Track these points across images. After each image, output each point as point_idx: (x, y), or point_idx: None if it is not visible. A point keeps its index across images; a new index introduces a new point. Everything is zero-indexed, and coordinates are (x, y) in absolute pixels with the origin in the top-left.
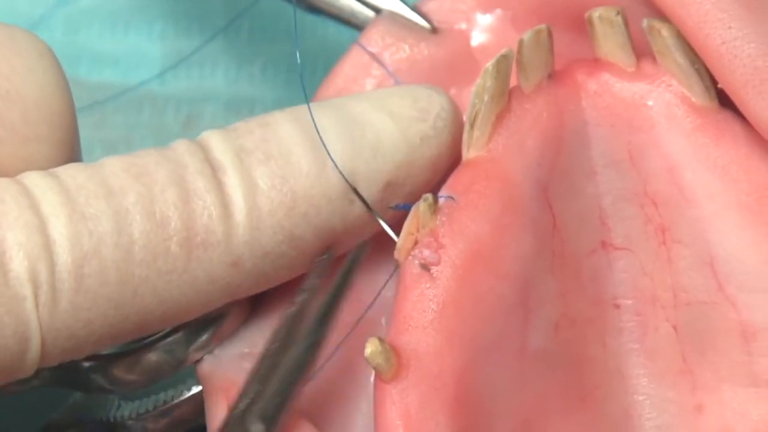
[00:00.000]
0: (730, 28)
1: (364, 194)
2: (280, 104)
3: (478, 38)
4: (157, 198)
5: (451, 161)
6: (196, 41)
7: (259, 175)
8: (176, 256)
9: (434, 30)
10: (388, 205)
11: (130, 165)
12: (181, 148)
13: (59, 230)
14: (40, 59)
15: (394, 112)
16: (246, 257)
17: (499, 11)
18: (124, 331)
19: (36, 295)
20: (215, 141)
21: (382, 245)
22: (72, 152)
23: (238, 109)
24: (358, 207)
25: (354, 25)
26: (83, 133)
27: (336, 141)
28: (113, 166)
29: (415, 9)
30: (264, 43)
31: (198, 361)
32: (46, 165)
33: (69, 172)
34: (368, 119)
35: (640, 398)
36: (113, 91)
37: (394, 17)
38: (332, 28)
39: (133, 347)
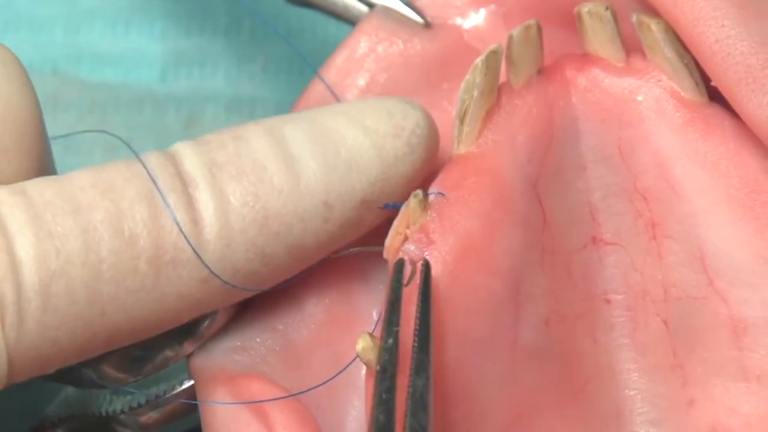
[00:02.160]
0: (723, 26)
1: (339, 212)
2: (280, 104)
3: (471, 34)
4: (126, 215)
5: (426, 176)
6: (197, 41)
7: (231, 191)
8: (145, 274)
9: (428, 25)
10: (363, 222)
11: (98, 180)
12: (152, 161)
13: (26, 249)
14: (4, 68)
15: (368, 127)
16: (214, 277)
17: (492, 7)
18: (93, 347)
19: (2, 316)
20: (187, 154)
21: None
22: (41, 162)
23: (239, 108)
24: (331, 225)
25: (347, 19)
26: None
27: (310, 158)
28: (81, 181)
29: (408, 4)
30: (265, 43)
31: (190, 356)
32: (14, 176)
33: (36, 187)
34: (342, 135)
35: (631, 393)
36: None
37: (388, 12)
38: (332, 28)
39: None
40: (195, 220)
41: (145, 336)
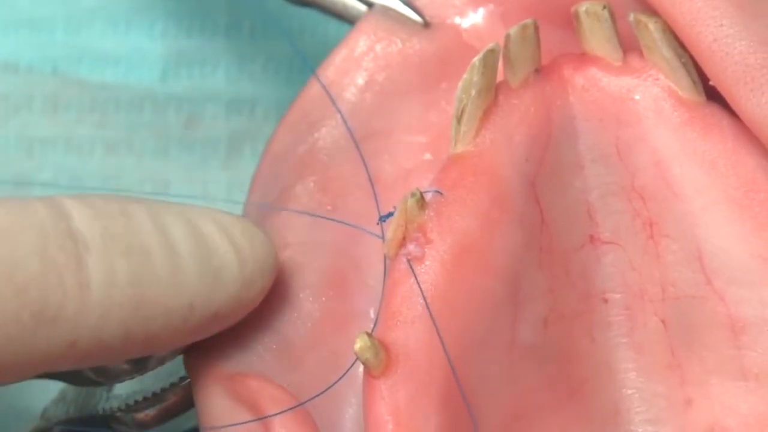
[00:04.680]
0: (721, 25)
1: (197, 317)
2: (281, 103)
3: (470, 33)
4: (19, 266)
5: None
6: (197, 40)
7: (119, 266)
8: (25, 325)
9: (426, 24)
10: (204, 332)
11: None
12: (42, 212)
13: None
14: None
15: (237, 245)
16: (84, 341)
17: (491, 6)
18: None
19: None
20: (78, 214)
21: (371, 239)
22: None
23: (239, 108)
24: (186, 327)
25: (347, 19)
26: (84, 133)
27: (189, 256)
28: None
29: (407, 3)
30: (265, 43)
31: (186, 352)
32: None
33: None
34: (216, 245)
35: (629, 392)
36: (115, 91)
37: (387, 11)
38: (332, 28)
39: None
40: (81, 283)
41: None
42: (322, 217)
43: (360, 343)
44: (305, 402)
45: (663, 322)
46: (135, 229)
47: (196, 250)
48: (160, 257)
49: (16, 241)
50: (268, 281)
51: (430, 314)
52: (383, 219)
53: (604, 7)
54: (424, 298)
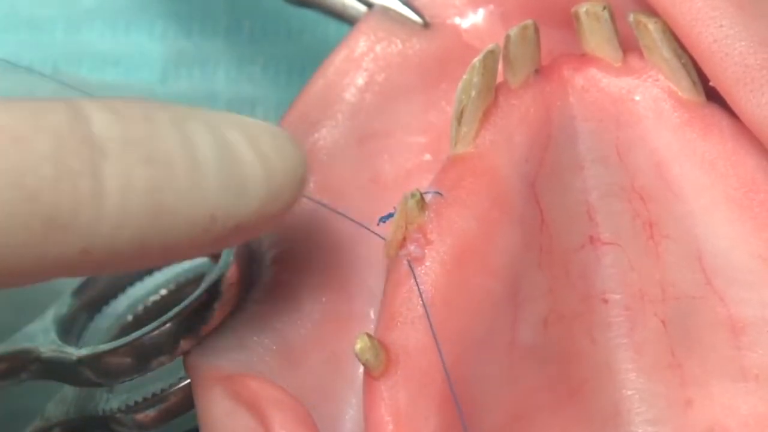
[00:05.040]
0: (721, 26)
1: (219, 227)
2: (281, 104)
3: (470, 33)
4: (31, 171)
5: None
6: (197, 41)
7: (138, 175)
8: (35, 232)
9: (426, 25)
10: (226, 244)
11: (8, 126)
12: (60, 114)
13: None
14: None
15: (264, 153)
16: (98, 249)
17: (491, 7)
18: None
19: None
20: (98, 117)
21: (371, 240)
22: None
23: (239, 109)
24: (208, 237)
25: (346, 19)
26: None
27: (212, 167)
28: None
29: (407, 4)
30: (265, 43)
31: (186, 353)
32: None
33: None
34: (242, 155)
35: (629, 393)
36: (114, 91)
37: (386, 12)
38: (332, 29)
39: (122, 340)
40: (96, 191)
41: (9, 286)
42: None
43: (360, 344)
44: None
45: (663, 322)
46: (156, 136)
47: (220, 159)
48: (182, 167)
49: (29, 145)
50: (297, 194)
51: (428, 316)
52: (383, 219)
53: (604, 8)
54: (423, 300)
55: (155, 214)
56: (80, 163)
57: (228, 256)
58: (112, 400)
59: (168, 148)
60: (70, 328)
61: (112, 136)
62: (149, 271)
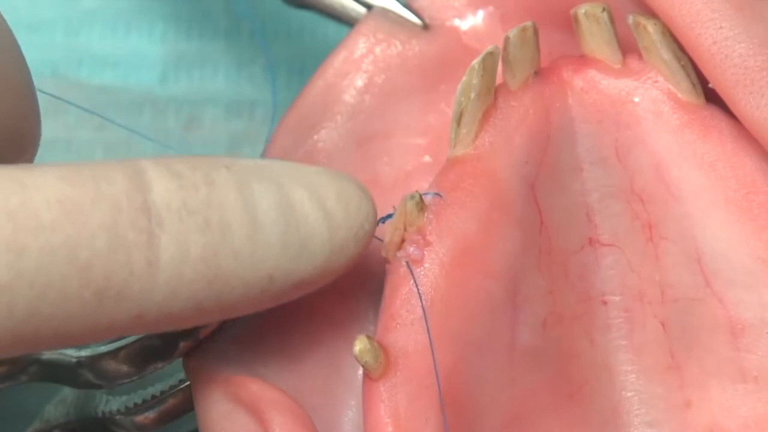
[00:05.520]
0: (721, 28)
1: (278, 287)
2: (281, 106)
3: (469, 35)
4: (85, 244)
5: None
6: (196, 43)
7: (194, 242)
8: (87, 302)
9: (426, 26)
10: (286, 298)
11: (66, 196)
12: (120, 184)
13: None
14: None
15: (328, 212)
16: (152, 315)
17: (490, 8)
18: (13, 351)
19: None
20: (158, 184)
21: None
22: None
23: (239, 110)
24: (266, 296)
25: (346, 21)
26: (84, 135)
27: (272, 228)
28: (48, 192)
29: (406, 5)
30: (264, 45)
31: (186, 355)
32: None
33: (2, 192)
34: (305, 212)
35: (629, 394)
36: (114, 94)
37: (386, 13)
38: (332, 30)
39: (122, 342)
40: (150, 261)
41: (62, 347)
42: None
43: (359, 346)
44: None
45: (662, 324)
46: (216, 202)
47: (283, 219)
48: (240, 231)
49: (85, 218)
50: (361, 248)
51: (425, 318)
52: (382, 221)
53: (604, 10)
54: (422, 302)
55: (211, 280)
56: (136, 234)
57: None
58: (111, 402)
59: (227, 214)
60: None
61: (171, 205)
62: None
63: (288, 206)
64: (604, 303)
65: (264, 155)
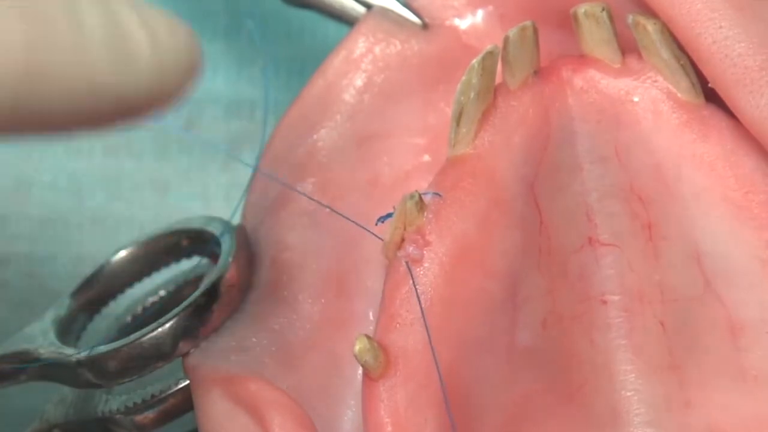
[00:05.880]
0: (720, 27)
1: (96, 97)
2: (280, 105)
3: (468, 35)
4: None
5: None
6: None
7: (14, 29)
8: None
9: (425, 26)
10: (96, 114)
11: None
12: None
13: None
14: None
15: (156, 32)
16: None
17: (490, 8)
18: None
19: None
20: None
21: (370, 241)
22: None
23: (239, 110)
24: (92, 104)
25: (345, 20)
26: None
27: (96, 30)
28: None
29: (406, 5)
30: (264, 45)
31: (185, 355)
32: None
33: None
34: (132, 28)
35: (628, 394)
36: None
37: (385, 13)
38: (331, 30)
39: (121, 342)
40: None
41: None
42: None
43: (359, 346)
44: None
45: (662, 324)
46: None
47: (107, 29)
48: (63, 27)
49: None
50: (186, 79)
51: (424, 317)
52: (382, 220)
53: (603, 9)
54: (420, 302)
55: (29, 71)
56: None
57: (227, 257)
58: (111, 402)
59: (52, 9)
60: (69, 330)
61: None
62: (148, 273)
63: (113, 20)
64: (604, 303)
65: (264, 155)
